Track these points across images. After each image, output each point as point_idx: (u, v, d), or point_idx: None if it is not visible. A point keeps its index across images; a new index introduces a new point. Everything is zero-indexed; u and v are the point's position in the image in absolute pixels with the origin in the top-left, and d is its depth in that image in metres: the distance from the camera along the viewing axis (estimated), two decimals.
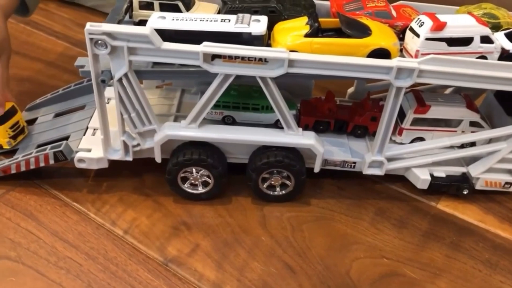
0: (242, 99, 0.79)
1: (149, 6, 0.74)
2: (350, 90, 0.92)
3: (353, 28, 0.68)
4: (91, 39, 0.63)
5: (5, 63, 0.82)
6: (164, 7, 0.73)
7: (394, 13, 0.75)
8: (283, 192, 0.78)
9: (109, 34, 0.63)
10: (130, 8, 0.75)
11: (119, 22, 0.70)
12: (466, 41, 0.67)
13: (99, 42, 0.63)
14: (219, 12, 0.76)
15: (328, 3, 0.79)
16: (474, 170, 0.78)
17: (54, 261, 0.68)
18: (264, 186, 0.77)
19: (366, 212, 0.79)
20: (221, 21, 0.67)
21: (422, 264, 0.71)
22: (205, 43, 0.65)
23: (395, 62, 0.65)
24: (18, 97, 0.96)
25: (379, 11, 0.74)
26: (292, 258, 0.71)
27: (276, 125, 0.79)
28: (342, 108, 0.83)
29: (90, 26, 0.63)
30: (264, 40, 0.68)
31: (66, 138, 0.80)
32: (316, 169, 0.77)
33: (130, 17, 0.76)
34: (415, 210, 0.80)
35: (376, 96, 0.87)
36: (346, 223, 0.77)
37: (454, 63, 0.66)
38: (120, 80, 0.67)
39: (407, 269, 0.71)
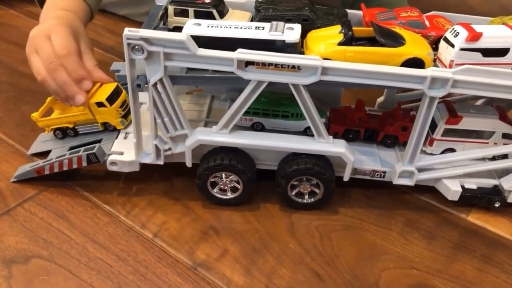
0: (272, 106, 0.79)
1: (184, 13, 0.75)
2: (380, 99, 0.92)
3: (387, 37, 0.68)
4: (128, 44, 0.64)
5: (88, 46, 0.86)
6: (198, 15, 0.74)
7: (427, 23, 0.75)
8: (312, 200, 0.78)
9: (146, 40, 0.64)
10: (165, 15, 0.77)
11: (155, 28, 0.72)
12: (502, 51, 0.67)
13: (136, 47, 0.65)
14: (252, 20, 0.77)
15: (360, 12, 0.80)
16: (507, 183, 0.77)
17: (85, 262, 0.69)
18: (293, 193, 0.77)
19: (395, 222, 0.78)
20: (255, 29, 0.68)
21: (452, 276, 0.71)
22: (239, 50, 0.66)
23: (429, 71, 0.65)
24: None
25: (412, 21, 0.74)
26: (320, 266, 0.70)
27: (305, 132, 0.79)
28: (372, 117, 0.82)
29: (128, 31, 0.64)
30: (297, 48, 0.68)
31: (99, 141, 0.82)
32: (346, 178, 0.77)
33: (164, 24, 0.78)
34: (445, 222, 0.79)
35: (407, 106, 0.87)
36: (375, 232, 0.76)
37: (489, 73, 0.65)
38: (155, 85, 0.68)
39: (437, 281, 0.70)
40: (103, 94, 0.81)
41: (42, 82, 0.80)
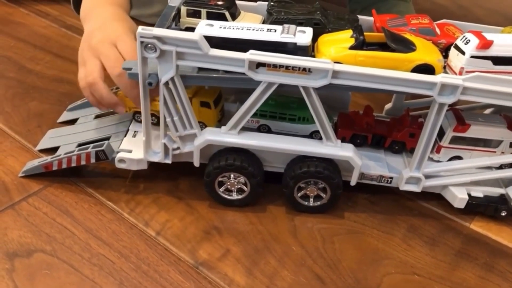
0: (280, 109, 0.79)
1: (196, 14, 0.76)
2: (388, 106, 0.92)
3: (398, 43, 0.68)
4: (141, 42, 0.65)
5: None
6: (211, 16, 0.75)
7: (438, 30, 0.76)
8: (317, 203, 0.78)
9: (160, 38, 0.64)
10: (177, 15, 0.77)
11: (167, 28, 0.72)
12: None
13: (149, 45, 0.65)
14: (263, 23, 0.78)
15: (370, 18, 0.80)
16: None
17: (88, 257, 0.69)
18: (299, 195, 0.77)
19: (398, 228, 0.78)
20: (267, 31, 0.69)
21: (454, 283, 0.71)
22: (251, 51, 0.66)
23: (439, 78, 0.65)
24: (58, 98, 1.00)
25: (423, 28, 0.75)
26: (322, 269, 0.71)
27: (311, 136, 0.80)
28: (380, 123, 0.83)
29: (141, 29, 0.64)
30: (308, 51, 0.69)
31: (107, 138, 0.82)
32: (353, 182, 0.77)
33: (176, 24, 0.78)
34: (448, 229, 0.79)
35: (415, 113, 0.87)
36: (377, 237, 0.76)
37: (499, 81, 0.66)
38: (166, 83, 0.68)
39: (439, 287, 0.70)
40: (209, 95, 0.79)
41: (92, 85, 0.78)
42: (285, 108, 0.80)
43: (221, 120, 0.82)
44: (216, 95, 0.79)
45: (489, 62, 0.67)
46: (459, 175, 0.78)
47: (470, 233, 0.79)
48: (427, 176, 0.77)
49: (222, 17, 0.75)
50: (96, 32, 0.81)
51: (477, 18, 1.35)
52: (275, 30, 0.69)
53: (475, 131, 0.77)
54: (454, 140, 0.78)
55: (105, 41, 0.78)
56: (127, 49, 0.77)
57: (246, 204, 0.78)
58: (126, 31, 0.80)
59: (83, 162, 0.77)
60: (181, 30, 0.77)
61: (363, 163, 0.75)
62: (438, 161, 0.80)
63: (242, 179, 0.75)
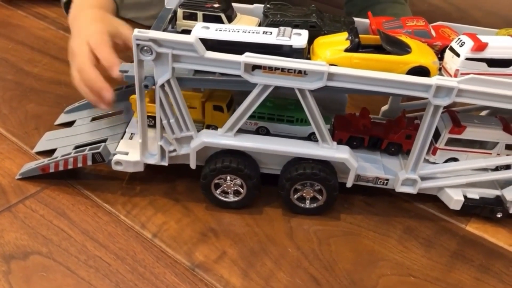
0: (278, 111, 0.80)
1: (192, 17, 0.76)
2: (384, 108, 0.92)
3: (393, 45, 0.69)
4: (137, 45, 0.65)
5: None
6: (207, 18, 0.75)
7: (433, 33, 0.76)
8: (313, 205, 0.78)
9: (155, 41, 0.65)
10: (174, 18, 0.77)
11: (164, 31, 0.72)
12: (507, 62, 0.68)
13: (145, 48, 0.65)
14: (259, 25, 0.78)
15: (366, 21, 0.81)
16: (509, 194, 0.78)
17: (84, 260, 0.69)
18: (295, 197, 0.77)
19: (394, 230, 0.78)
20: (263, 33, 0.69)
21: (450, 284, 0.71)
22: (246, 53, 0.66)
23: (434, 80, 0.66)
24: (56, 100, 1.00)
25: (419, 30, 0.75)
26: (318, 271, 0.71)
27: (310, 138, 0.80)
28: (377, 125, 0.83)
29: (137, 32, 0.65)
30: (304, 53, 0.69)
31: (104, 141, 0.82)
32: (349, 184, 0.77)
33: (173, 27, 0.79)
34: (444, 230, 0.79)
35: (411, 115, 0.87)
36: (373, 239, 0.77)
37: (494, 84, 0.66)
38: (162, 86, 0.68)
39: None
40: (222, 98, 0.79)
41: (77, 87, 0.81)
42: (283, 110, 0.80)
43: None
44: (228, 99, 0.80)
45: (484, 64, 0.67)
46: (455, 177, 0.78)
47: (466, 235, 0.79)
48: (423, 178, 0.77)
49: (218, 20, 0.75)
50: (75, 37, 0.84)
51: (475, 20, 1.35)
52: (271, 33, 0.69)
53: (471, 133, 0.77)
54: (450, 142, 0.78)
55: (80, 43, 0.80)
56: (94, 43, 0.78)
57: (243, 206, 0.79)
58: (100, 29, 0.82)
59: (79, 164, 0.77)
60: (177, 32, 0.77)
61: (359, 165, 0.75)
62: (434, 163, 0.80)
63: (238, 181, 0.76)
